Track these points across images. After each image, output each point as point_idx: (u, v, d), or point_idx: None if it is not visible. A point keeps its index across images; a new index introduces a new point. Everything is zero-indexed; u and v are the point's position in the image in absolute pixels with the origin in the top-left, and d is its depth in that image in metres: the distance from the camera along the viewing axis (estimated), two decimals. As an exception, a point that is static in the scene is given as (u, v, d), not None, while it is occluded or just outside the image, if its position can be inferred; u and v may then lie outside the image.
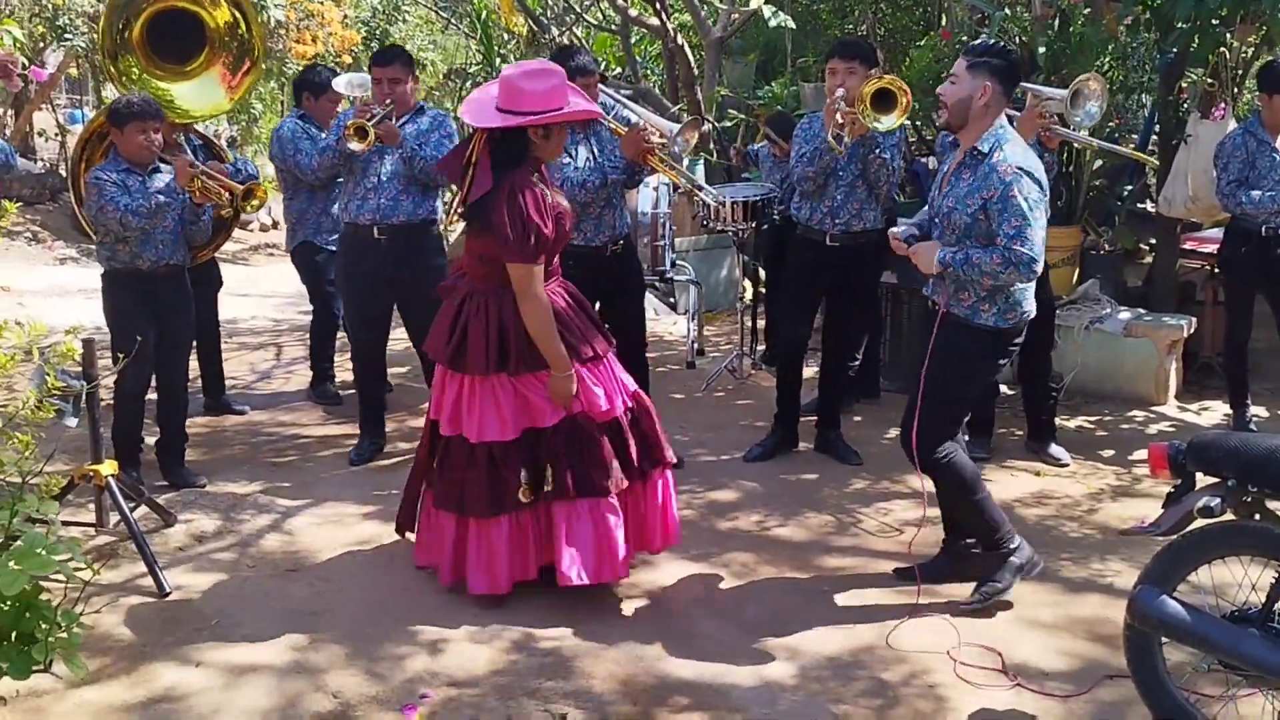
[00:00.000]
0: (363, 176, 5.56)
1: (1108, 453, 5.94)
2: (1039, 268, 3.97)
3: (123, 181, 5.07)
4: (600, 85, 5.49)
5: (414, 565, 4.54)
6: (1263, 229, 5.90)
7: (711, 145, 9.59)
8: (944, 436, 4.21)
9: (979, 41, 4.17)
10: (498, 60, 9.15)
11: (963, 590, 4.31)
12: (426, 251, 5.71)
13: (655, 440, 4.37)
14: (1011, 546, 4.27)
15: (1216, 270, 7.41)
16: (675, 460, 4.58)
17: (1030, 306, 4.17)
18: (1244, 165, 5.92)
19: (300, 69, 8.65)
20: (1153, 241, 7.85)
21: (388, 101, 5.46)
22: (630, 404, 4.33)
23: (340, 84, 6.32)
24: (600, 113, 4.49)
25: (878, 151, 5.27)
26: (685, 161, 5.94)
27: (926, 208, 4.44)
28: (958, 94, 4.05)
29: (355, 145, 5.33)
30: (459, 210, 4.19)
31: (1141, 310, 6.98)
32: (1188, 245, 7.61)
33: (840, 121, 5.13)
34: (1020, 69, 4.12)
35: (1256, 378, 6.58)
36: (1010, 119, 5.29)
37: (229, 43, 5.93)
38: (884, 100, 4.96)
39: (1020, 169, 3.95)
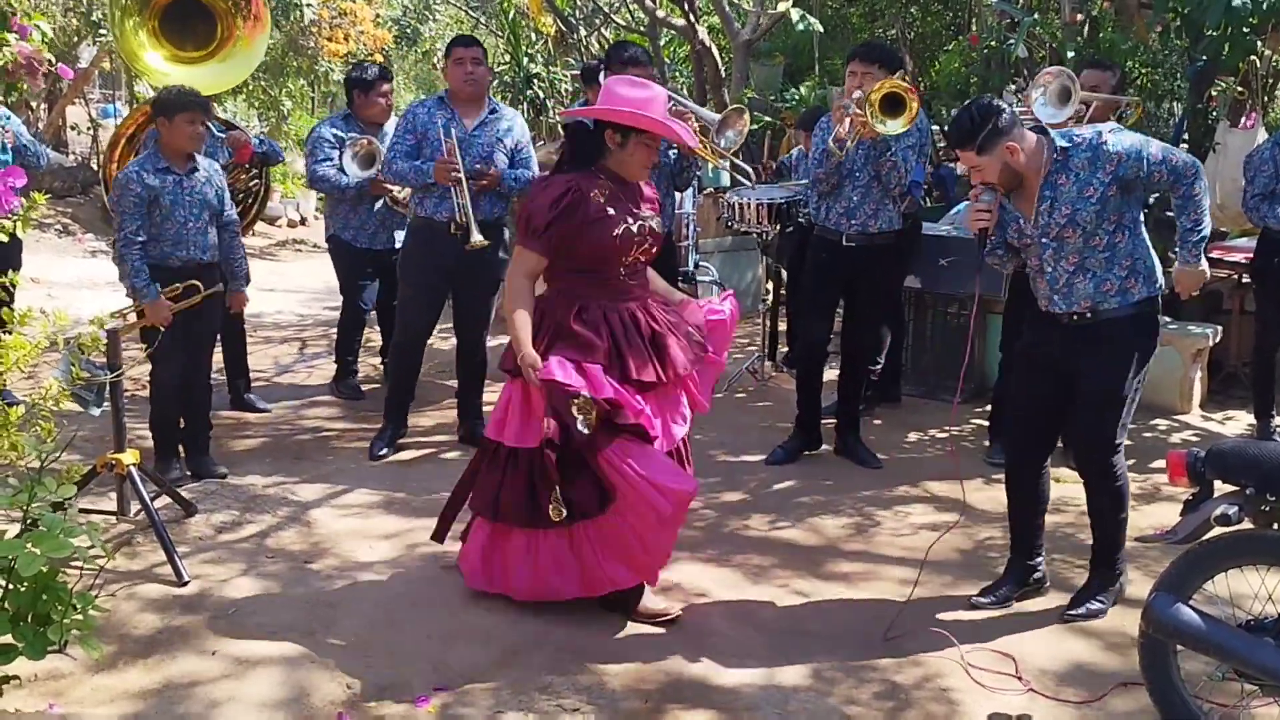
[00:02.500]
0: (461, 159, 5.55)
1: (1130, 460, 5.88)
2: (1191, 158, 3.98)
3: (157, 194, 5.09)
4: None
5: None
6: None
7: (738, 148, 9.59)
8: (1121, 442, 4.14)
9: (956, 126, 4.00)
10: (525, 60, 9.16)
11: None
12: (495, 248, 5.78)
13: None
14: (1121, 570, 4.29)
15: (1243, 280, 7.37)
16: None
17: (1159, 267, 4.12)
18: (1270, 179, 5.89)
19: (346, 68, 8.71)
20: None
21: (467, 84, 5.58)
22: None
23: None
24: (682, 136, 4.24)
25: (888, 155, 5.27)
26: (732, 146, 5.92)
27: (1000, 231, 4.21)
28: (994, 172, 3.97)
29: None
30: None
31: (1167, 318, 6.90)
32: (1214, 254, 7.53)
33: (848, 124, 5.15)
34: (1001, 105, 4.00)
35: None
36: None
37: (233, 10, 5.95)
38: (893, 104, 4.97)
39: (1103, 130, 3.96)
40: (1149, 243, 4.11)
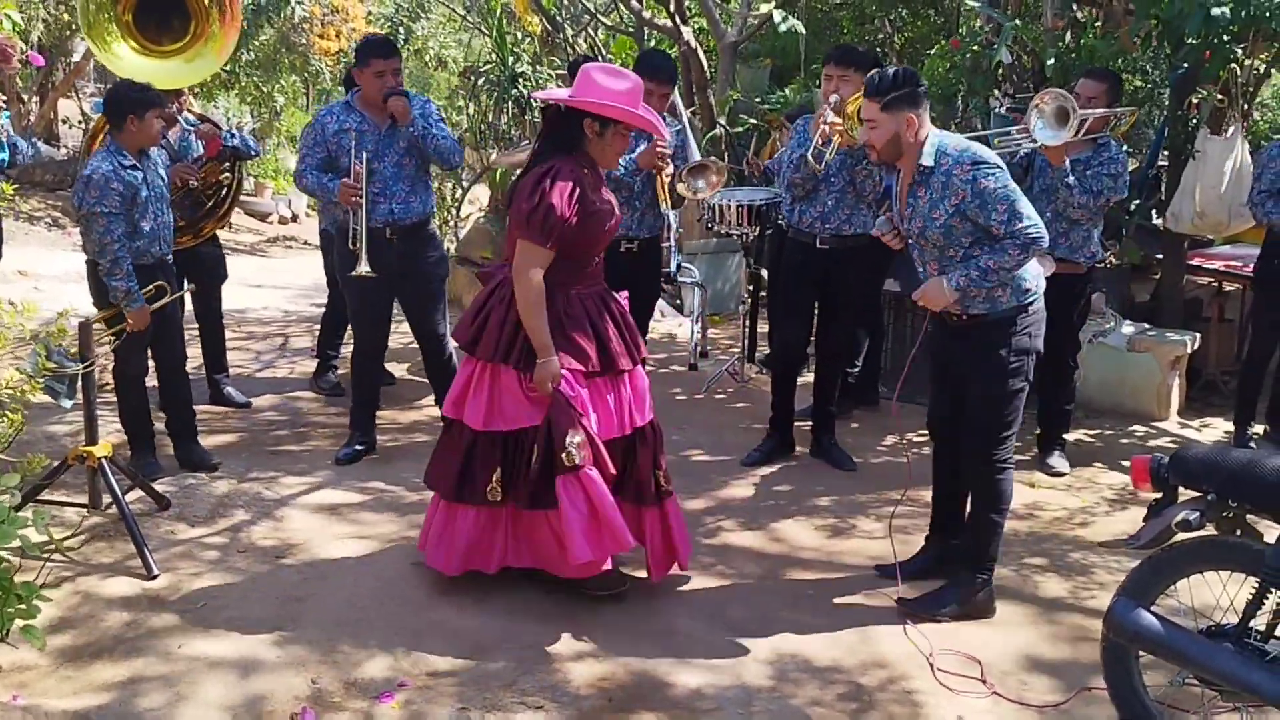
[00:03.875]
0: (366, 184, 5.47)
1: (1104, 467, 5.92)
2: (1046, 237, 4.02)
3: (136, 190, 5.08)
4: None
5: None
6: None
7: (723, 150, 9.59)
8: (1008, 438, 4.19)
9: (878, 78, 4.10)
10: (511, 59, 9.16)
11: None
12: (429, 244, 5.76)
13: (645, 479, 4.24)
14: (986, 578, 4.29)
15: (1222, 287, 7.40)
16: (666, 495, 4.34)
17: (1032, 282, 4.16)
18: (1277, 177, 5.90)
19: (337, 66, 8.67)
20: (1159, 257, 7.82)
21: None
22: (629, 434, 4.21)
23: None
24: (659, 129, 4.35)
25: (864, 163, 5.27)
26: (700, 195, 5.94)
27: (883, 219, 4.45)
28: (883, 136, 4.07)
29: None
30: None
31: (1146, 325, 6.96)
32: (1195, 261, 7.58)
33: (825, 134, 5.16)
34: (922, 83, 4.11)
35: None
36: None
37: (209, 4, 5.91)
38: None
39: (975, 162, 3.99)
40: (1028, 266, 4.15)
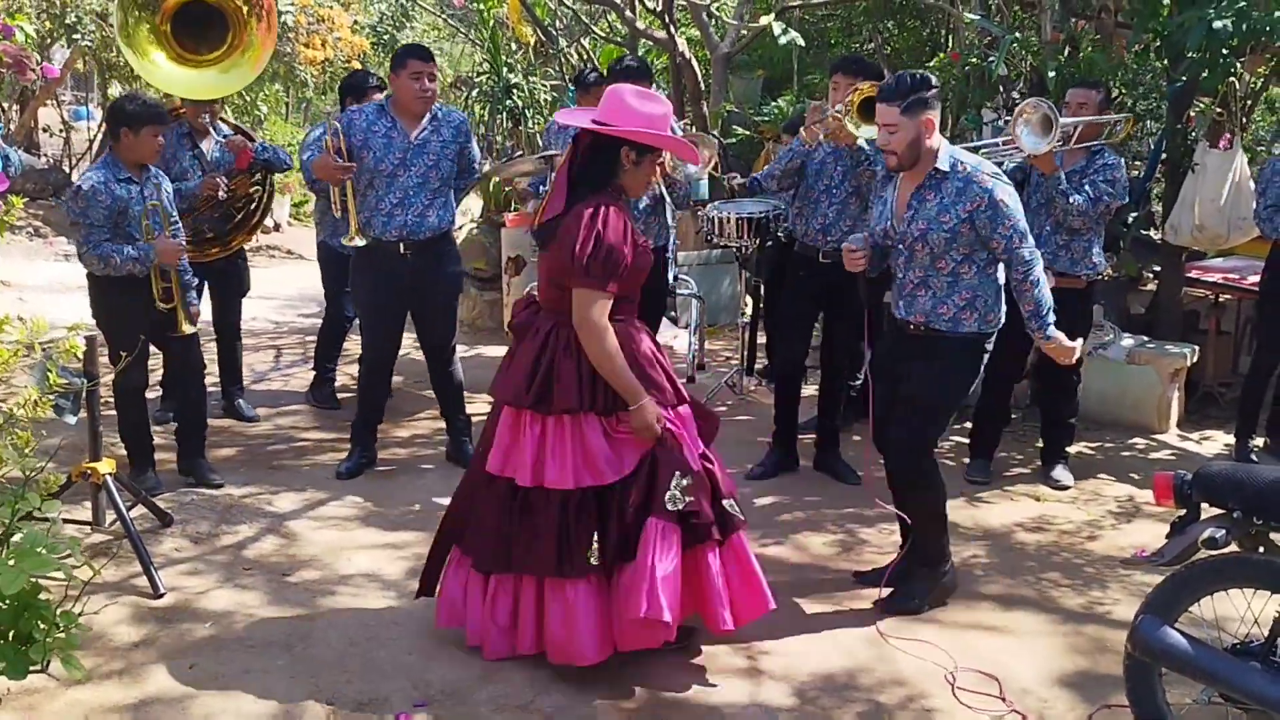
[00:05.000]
0: (386, 192, 5.40)
1: (1108, 479, 5.93)
2: (1040, 261, 4.15)
3: (125, 205, 5.02)
4: None
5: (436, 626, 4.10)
6: None
7: (717, 162, 9.58)
8: (931, 449, 4.37)
9: (895, 82, 4.12)
10: (504, 70, 9.12)
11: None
12: (447, 260, 5.70)
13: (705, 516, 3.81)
14: (945, 569, 4.44)
15: (1220, 300, 7.43)
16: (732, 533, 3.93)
17: (1003, 311, 4.27)
18: None
19: (322, 75, 8.65)
20: (1157, 269, 7.85)
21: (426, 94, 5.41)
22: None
23: None
24: (695, 154, 4.16)
25: (868, 165, 5.26)
26: (691, 178, 5.89)
27: (858, 235, 4.47)
28: (905, 139, 4.08)
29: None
30: (532, 229, 3.94)
31: (1145, 338, 6.97)
32: (1192, 274, 7.60)
33: (824, 121, 5.17)
34: (933, 82, 4.15)
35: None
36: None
37: (247, 13, 5.87)
38: (872, 110, 4.98)
39: (993, 173, 4.07)
40: (1000, 287, 4.26)
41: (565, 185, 3.77)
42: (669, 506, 3.66)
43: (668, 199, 5.75)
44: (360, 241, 5.45)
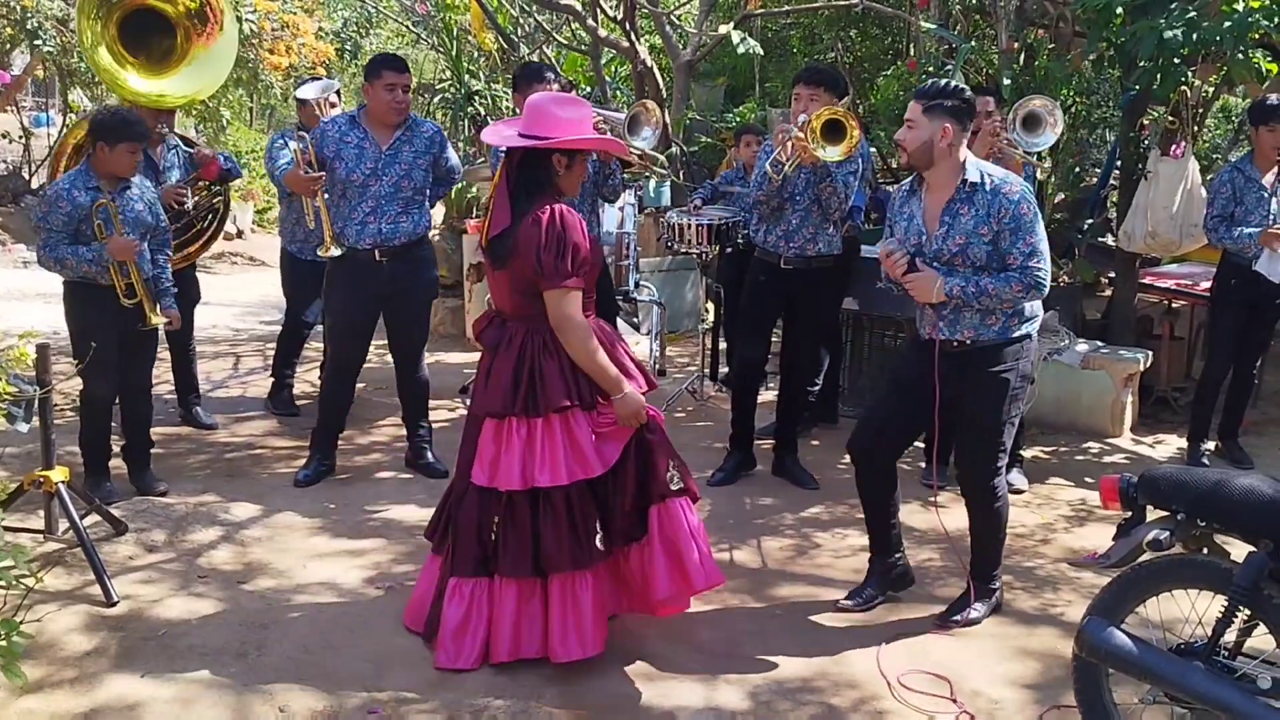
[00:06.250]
0: (359, 201, 5.42)
1: (1062, 483, 5.99)
2: (1048, 286, 4.09)
3: (87, 213, 5.00)
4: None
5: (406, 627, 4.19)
6: (1252, 263, 5.99)
7: (679, 169, 9.62)
8: (1002, 466, 4.30)
9: (930, 84, 4.18)
10: (466, 77, 9.13)
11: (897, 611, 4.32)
12: (423, 265, 5.71)
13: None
14: (997, 586, 4.44)
15: (1173, 305, 7.51)
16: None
17: (1038, 308, 4.26)
18: (1228, 201, 6.04)
19: (286, 81, 8.64)
20: (1112, 275, 7.93)
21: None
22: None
23: (310, 90, 6.30)
24: (623, 147, 4.32)
25: (829, 180, 5.31)
26: (649, 144, 5.83)
27: (892, 239, 4.35)
28: (919, 138, 4.10)
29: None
30: (482, 243, 3.98)
31: (1099, 343, 7.05)
32: (1146, 280, 7.69)
33: (789, 149, 5.19)
34: (974, 105, 4.18)
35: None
36: None
37: (195, 22, 5.89)
38: (834, 131, 5.02)
39: (1024, 188, 4.06)
40: None
41: (506, 199, 3.86)
42: (672, 487, 3.94)
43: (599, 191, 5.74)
44: (336, 251, 5.47)
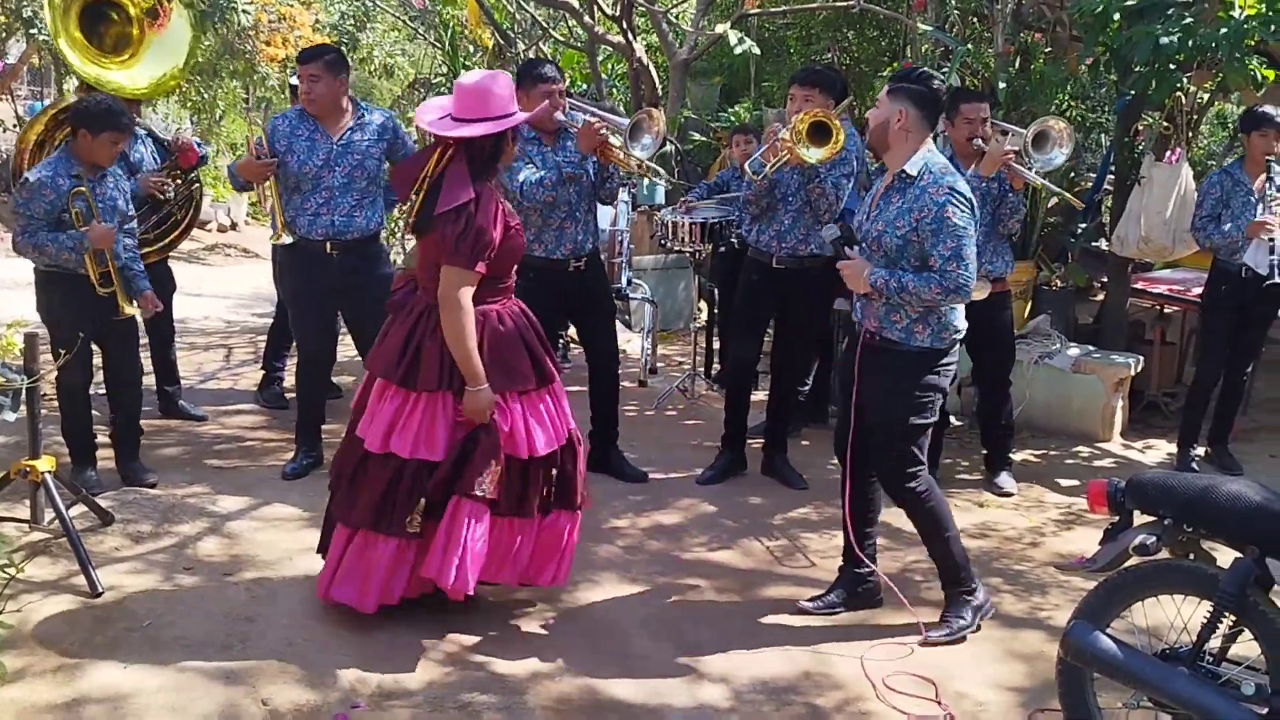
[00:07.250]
0: (312, 191, 5.43)
1: (1051, 487, 5.99)
2: (971, 291, 4.03)
3: (58, 205, 4.96)
4: (566, 96, 5.54)
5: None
6: (1242, 270, 6.01)
7: (673, 166, 9.61)
8: (905, 470, 4.22)
9: (904, 69, 4.22)
10: (463, 72, 9.12)
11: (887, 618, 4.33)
12: (376, 262, 5.69)
13: (573, 485, 4.25)
14: (972, 587, 4.34)
15: (1165, 310, 7.52)
16: (587, 507, 4.42)
17: (962, 324, 4.20)
18: (1217, 203, 6.08)
19: (283, 73, 8.60)
20: (1104, 280, 7.94)
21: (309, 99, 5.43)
22: (561, 444, 4.19)
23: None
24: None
25: (818, 180, 5.31)
26: (649, 152, 5.80)
27: (833, 226, 4.45)
28: (878, 118, 4.12)
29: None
30: (409, 219, 4.05)
31: (1091, 347, 7.05)
32: (1138, 285, 7.69)
33: (775, 148, 5.19)
34: (940, 98, 4.17)
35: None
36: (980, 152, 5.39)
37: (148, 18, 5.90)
38: (821, 133, 5.03)
39: (952, 189, 3.99)
40: (960, 308, 4.20)
41: (467, 177, 3.92)
42: (476, 492, 3.93)
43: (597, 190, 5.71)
44: (288, 239, 5.49)
